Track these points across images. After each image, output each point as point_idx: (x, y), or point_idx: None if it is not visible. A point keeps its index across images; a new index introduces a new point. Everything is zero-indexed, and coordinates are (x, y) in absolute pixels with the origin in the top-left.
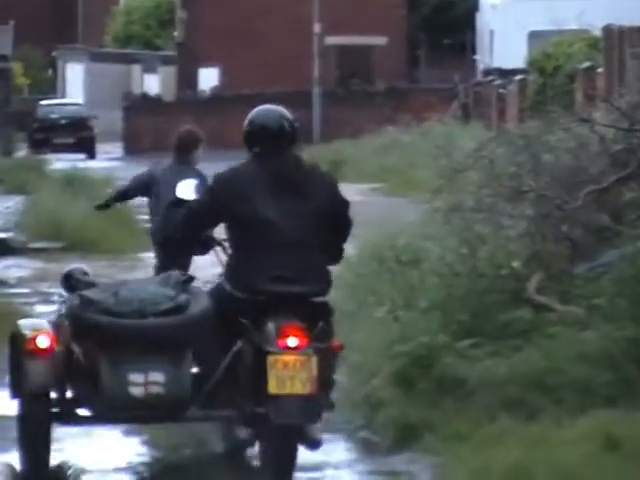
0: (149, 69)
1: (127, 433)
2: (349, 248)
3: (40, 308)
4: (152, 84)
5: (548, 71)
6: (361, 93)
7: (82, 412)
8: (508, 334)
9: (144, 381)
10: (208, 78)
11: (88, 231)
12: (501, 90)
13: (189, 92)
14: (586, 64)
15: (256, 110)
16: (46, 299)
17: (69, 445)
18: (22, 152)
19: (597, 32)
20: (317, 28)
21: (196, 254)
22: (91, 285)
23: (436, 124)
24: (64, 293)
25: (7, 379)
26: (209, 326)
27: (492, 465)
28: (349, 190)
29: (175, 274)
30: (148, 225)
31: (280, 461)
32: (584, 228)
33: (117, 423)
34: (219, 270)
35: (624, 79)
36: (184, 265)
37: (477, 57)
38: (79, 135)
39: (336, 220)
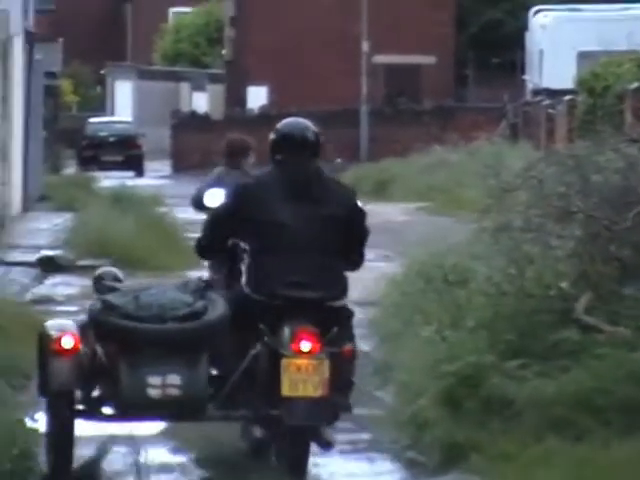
0: (197, 87)
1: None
2: (394, 267)
3: None
4: (200, 102)
5: (597, 91)
6: (408, 112)
7: (107, 410)
8: (556, 354)
9: (162, 383)
10: (256, 96)
11: (136, 249)
12: (550, 110)
13: (237, 110)
14: (635, 84)
15: (284, 121)
16: None
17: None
18: (70, 170)
19: None
20: (365, 47)
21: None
22: (113, 289)
23: (484, 143)
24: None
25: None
26: (226, 331)
27: None
28: (395, 209)
29: (194, 281)
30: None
31: (293, 461)
32: (633, 248)
33: (136, 421)
34: None
35: None
36: (233, 274)
37: (526, 77)
38: (127, 153)
39: (352, 228)
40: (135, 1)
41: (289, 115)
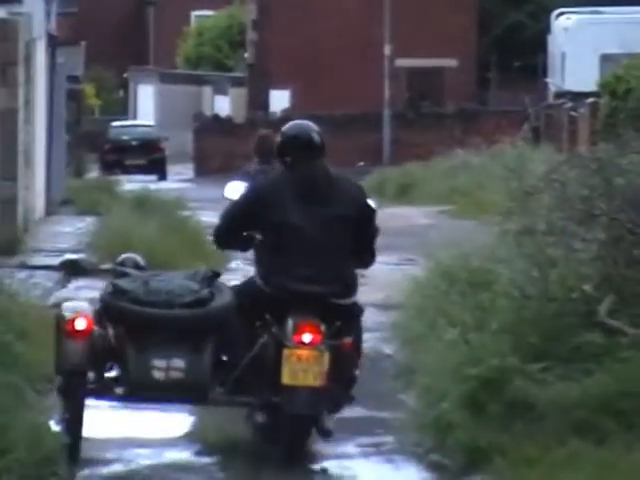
0: (220, 90)
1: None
2: (417, 270)
3: None
4: (223, 105)
5: (619, 94)
6: (431, 115)
7: (118, 390)
8: (579, 358)
9: (166, 366)
10: (279, 100)
11: (159, 252)
12: (572, 113)
13: (259, 113)
14: None
15: (288, 124)
16: None
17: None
18: (93, 173)
19: None
20: (387, 50)
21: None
22: (125, 275)
23: (506, 146)
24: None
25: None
26: (232, 318)
27: None
28: (418, 212)
29: (203, 270)
30: None
31: (292, 447)
32: None
33: (144, 402)
34: None
35: None
36: None
37: (548, 80)
38: (150, 156)
39: (361, 226)
40: (157, 4)
41: (312, 119)
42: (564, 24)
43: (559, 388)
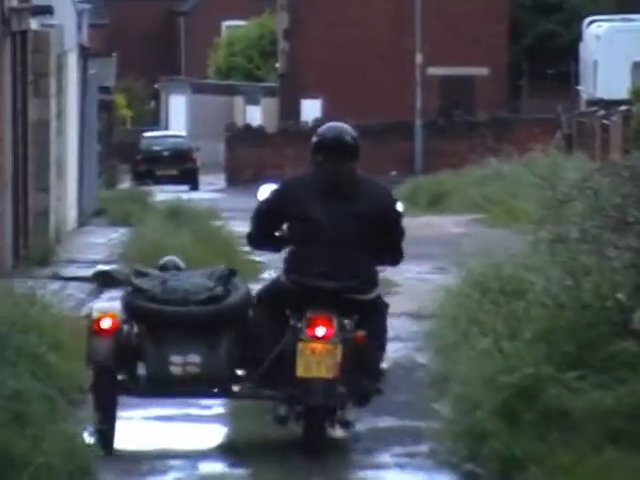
0: (251, 100)
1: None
2: (450, 279)
3: None
4: (254, 115)
5: None
6: (463, 123)
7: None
8: (613, 366)
9: (183, 362)
10: (310, 109)
11: (191, 262)
12: (604, 121)
13: (291, 123)
14: None
15: (325, 125)
16: None
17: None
18: (125, 184)
19: None
20: (419, 59)
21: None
22: (144, 275)
23: (538, 155)
24: None
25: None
26: (247, 313)
27: None
28: (450, 221)
29: (220, 269)
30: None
31: (308, 437)
32: None
33: (166, 398)
34: None
35: None
36: None
37: (580, 87)
38: (182, 167)
39: (388, 227)
40: (188, 15)
41: None
42: (595, 32)
43: (594, 396)
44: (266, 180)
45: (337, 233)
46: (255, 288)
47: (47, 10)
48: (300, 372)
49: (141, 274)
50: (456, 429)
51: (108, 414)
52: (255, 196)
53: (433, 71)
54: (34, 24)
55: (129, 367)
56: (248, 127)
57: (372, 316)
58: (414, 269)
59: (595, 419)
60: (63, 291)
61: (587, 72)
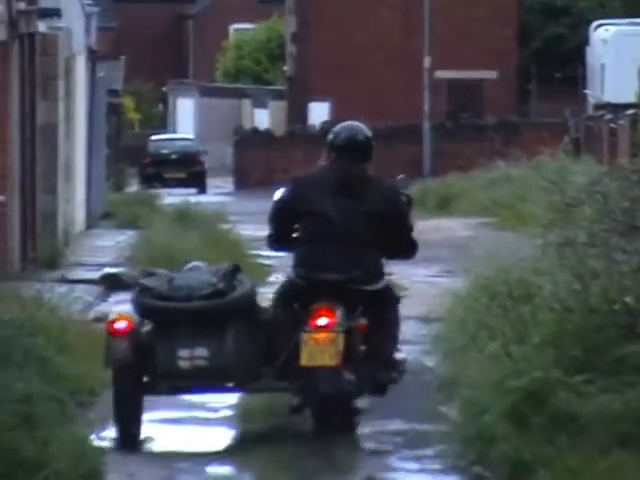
0: (259, 104)
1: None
2: (458, 282)
3: None
4: (262, 119)
5: None
6: (471, 127)
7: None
8: (622, 370)
9: (190, 356)
10: (318, 112)
11: None
12: (612, 124)
13: (299, 126)
14: None
15: (340, 124)
16: None
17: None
18: (133, 187)
19: None
20: (427, 62)
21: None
22: (151, 274)
23: (547, 158)
24: None
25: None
26: (251, 307)
27: None
28: (458, 224)
29: (225, 266)
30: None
31: (318, 425)
32: None
33: (186, 393)
34: None
35: None
36: None
37: (588, 91)
38: (190, 170)
39: (397, 222)
40: (197, 18)
41: None
42: (603, 36)
43: (602, 400)
44: (280, 184)
45: (347, 229)
46: (262, 291)
47: (55, 13)
48: (304, 361)
49: (149, 274)
50: (464, 432)
51: (130, 413)
52: (263, 199)
53: (441, 74)
54: (42, 27)
55: (148, 367)
56: (256, 130)
57: (380, 306)
58: (422, 272)
59: (603, 423)
60: (71, 294)
61: (594, 76)
